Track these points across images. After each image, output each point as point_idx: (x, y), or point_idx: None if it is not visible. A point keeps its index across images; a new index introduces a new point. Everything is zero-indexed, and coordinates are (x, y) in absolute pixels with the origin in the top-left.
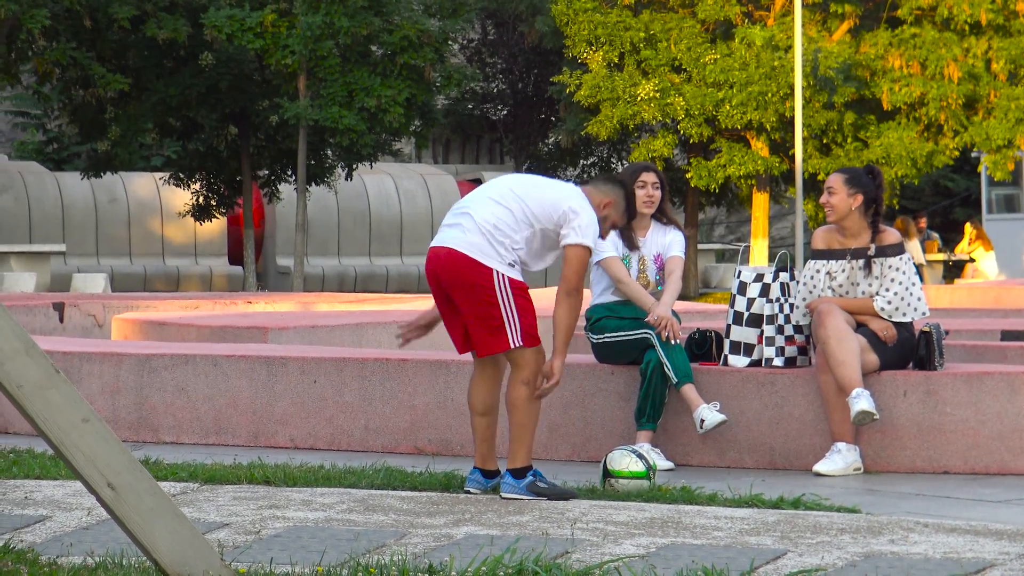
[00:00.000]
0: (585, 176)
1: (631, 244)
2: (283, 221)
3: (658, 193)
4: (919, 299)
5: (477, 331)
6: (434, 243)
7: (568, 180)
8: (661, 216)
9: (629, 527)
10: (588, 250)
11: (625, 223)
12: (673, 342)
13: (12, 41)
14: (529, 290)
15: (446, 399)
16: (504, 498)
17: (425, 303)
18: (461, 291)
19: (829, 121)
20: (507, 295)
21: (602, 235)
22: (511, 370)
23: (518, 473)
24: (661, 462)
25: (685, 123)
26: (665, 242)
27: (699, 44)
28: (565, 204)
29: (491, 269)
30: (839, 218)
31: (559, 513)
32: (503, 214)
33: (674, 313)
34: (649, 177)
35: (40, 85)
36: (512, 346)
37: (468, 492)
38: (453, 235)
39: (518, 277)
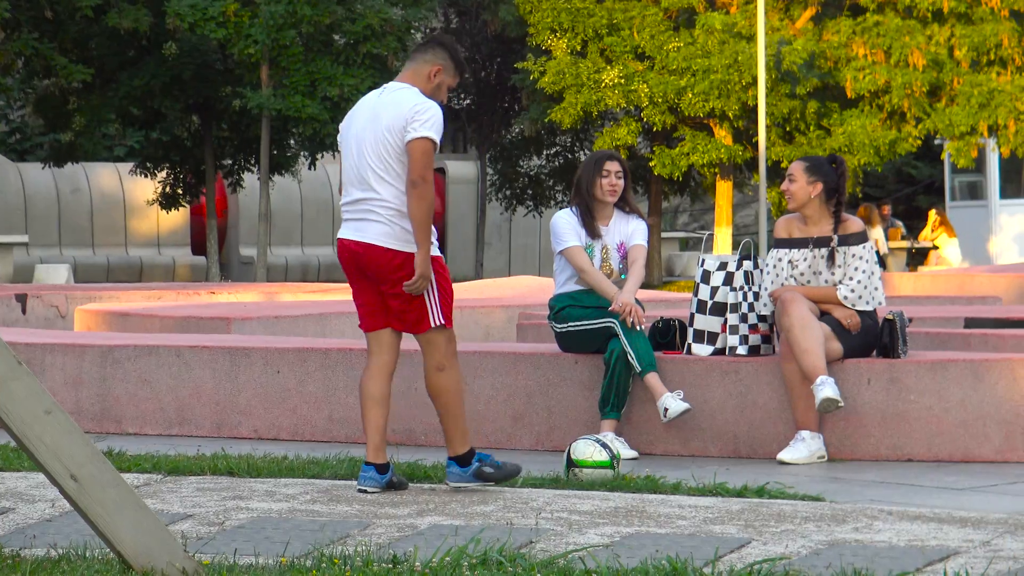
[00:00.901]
0: (550, 167)
1: (593, 233)
2: (246, 211)
3: (621, 182)
4: (876, 288)
5: (396, 307)
6: (347, 235)
7: (532, 171)
8: (624, 205)
9: (593, 516)
10: (431, 141)
11: (457, 81)
12: (637, 328)
13: None
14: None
15: (409, 389)
16: (451, 487)
17: None
18: (380, 277)
19: (792, 109)
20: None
21: (440, 99)
22: (425, 355)
23: (463, 460)
24: (625, 451)
25: (649, 111)
26: (628, 231)
27: (662, 32)
28: (407, 112)
29: (411, 254)
30: (799, 206)
31: (523, 503)
32: (395, 185)
33: (637, 301)
34: (612, 166)
35: (2, 77)
36: (433, 324)
37: (364, 492)
38: (363, 227)
39: (436, 252)
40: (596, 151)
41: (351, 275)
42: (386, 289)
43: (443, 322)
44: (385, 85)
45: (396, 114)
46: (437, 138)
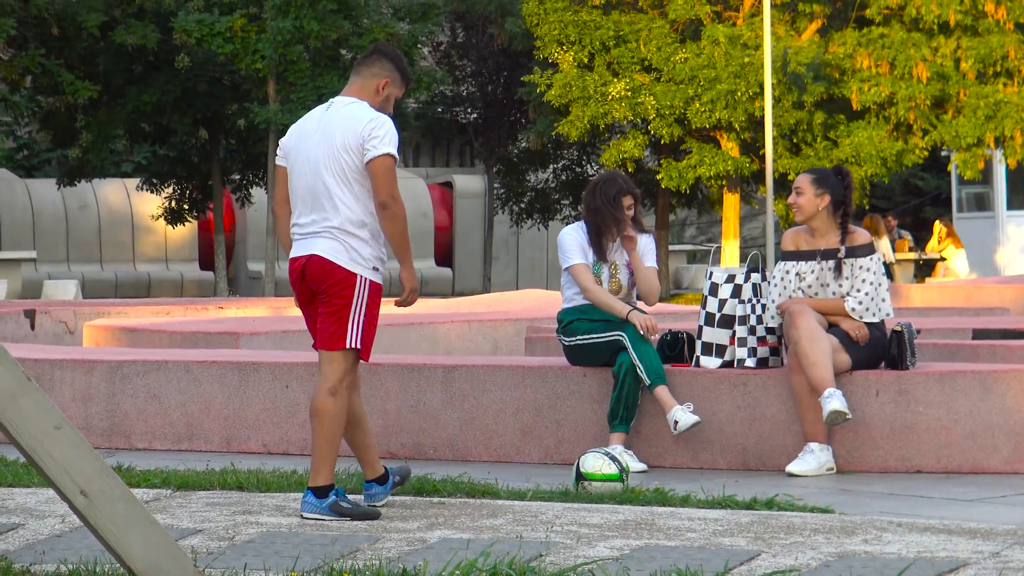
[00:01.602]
0: (557, 181)
1: (602, 252)
2: (254, 226)
3: (632, 212)
4: (884, 299)
5: (321, 320)
6: (297, 253)
7: (539, 184)
8: (633, 223)
9: (603, 529)
10: (392, 157)
11: (403, 91)
12: (651, 337)
13: None
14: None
15: (418, 403)
16: (305, 518)
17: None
18: (321, 287)
19: (799, 121)
20: (362, 298)
21: (388, 111)
22: (322, 376)
23: (320, 492)
24: (634, 464)
25: (656, 123)
26: (639, 248)
27: (668, 44)
28: (361, 129)
29: (355, 274)
30: (806, 218)
31: (533, 516)
32: (350, 206)
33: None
34: (627, 201)
35: (10, 94)
36: (348, 346)
37: (374, 507)
38: (314, 243)
39: (378, 280)
40: (610, 176)
41: (302, 298)
42: (321, 298)
43: (358, 346)
44: (332, 100)
45: (350, 132)
46: (396, 153)
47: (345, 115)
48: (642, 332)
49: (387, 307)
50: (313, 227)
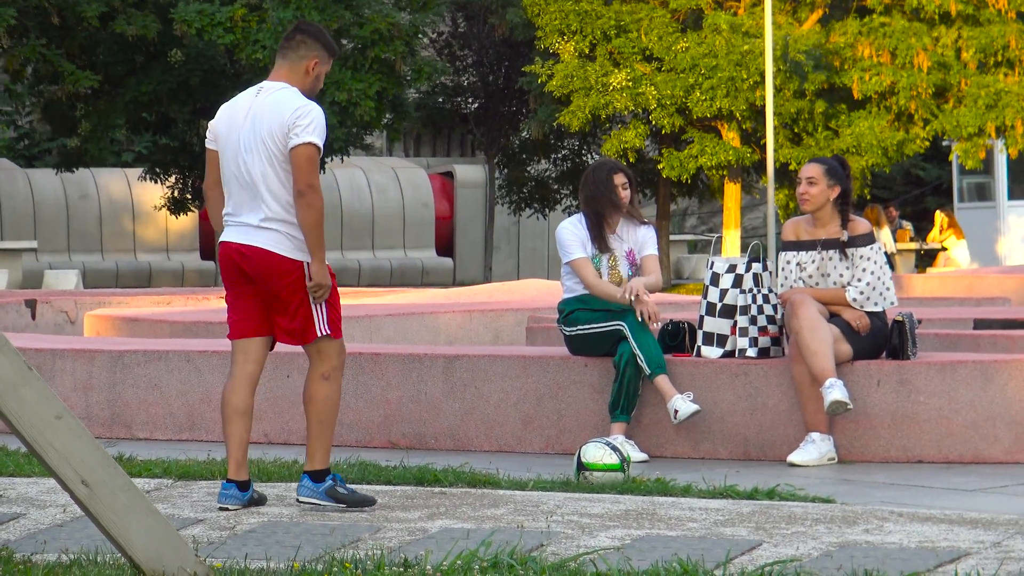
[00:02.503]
0: (557, 171)
1: (601, 243)
2: None
3: (627, 192)
4: (888, 288)
5: (281, 319)
6: (232, 239)
7: (540, 175)
8: (630, 212)
9: (604, 519)
10: (315, 147)
11: (331, 64)
12: (652, 324)
13: None
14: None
15: (419, 393)
16: (300, 502)
17: (396, 297)
18: (266, 283)
19: (800, 110)
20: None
21: (318, 88)
22: (312, 363)
23: (317, 476)
24: (635, 454)
25: (657, 113)
26: (637, 238)
27: (670, 33)
28: (288, 117)
29: (300, 263)
30: (816, 209)
31: (534, 506)
32: (279, 193)
33: None
34: (619, 179)
35: (11, 83)
36: (319, 334)
37: (225, 508)
38: (250, 232)
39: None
40: (600, 161)
41: (231, 280)
42: (270, 295)
43: (328, 331)
44: (261, 84)
45: (277, 119)
46: (321, 143)
47: (274, 101)
48: (643, 319)
49: (389, 296)
50: (246, 218)
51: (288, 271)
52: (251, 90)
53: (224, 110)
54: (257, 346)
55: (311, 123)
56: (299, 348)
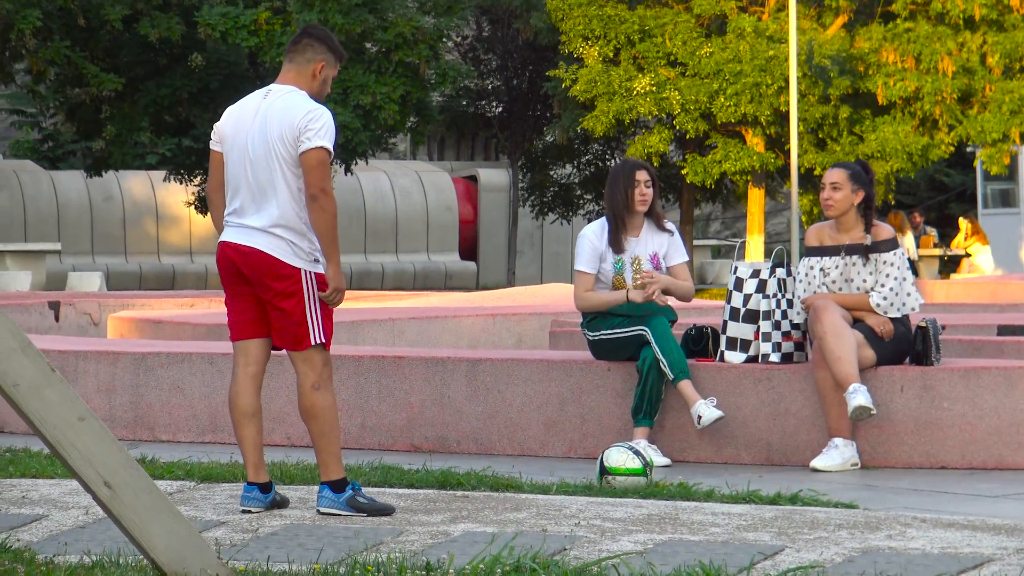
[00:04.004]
0: (581, 176)
1: (619, 248)
2: None
3: (651, 192)
4: (909, 293)
5: (277, 324)
6: (231, 239)
7: (564, 179)
8: (653, 215)
9: (626, 524)
10: (327, 151)
11: (339, 68)
12: (659, 302)
13: (5, 40)
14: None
15: (443, 396)
16: (321, 513)
17: (419, 301)
18: (262, 285)
19: (824, 115)
20: (312, 291)
21: (326, 92)
22: (299, 373)
23: (336, 486)
24: (658, 458)
25: (681, 118)
26: (663, 243)
27: (694, 38)
28: (298, 120)
29: (298, 269)
30: (840, 214)
31: (556, 510)
32: (285, 199)
33: (670, 309)
34: (642, 176)
35: (35, 84)
36: (313, 342)
37: (248, 511)
38: (250, 234)
39: (322, 271)
40: (624, 160)
41: (229, 281)
42: (267, 298)
43: (323, 340)
44: (269, 87)
45: (287, 123)
46: (331, 146)
47: (283, 105)
48: (644, 298)
49: (412, 299)
50: (249, 220)
51: (285, 276)
52: (258, 93)
53: (231, 112)
54: (257, 347)
55: (322, 127)
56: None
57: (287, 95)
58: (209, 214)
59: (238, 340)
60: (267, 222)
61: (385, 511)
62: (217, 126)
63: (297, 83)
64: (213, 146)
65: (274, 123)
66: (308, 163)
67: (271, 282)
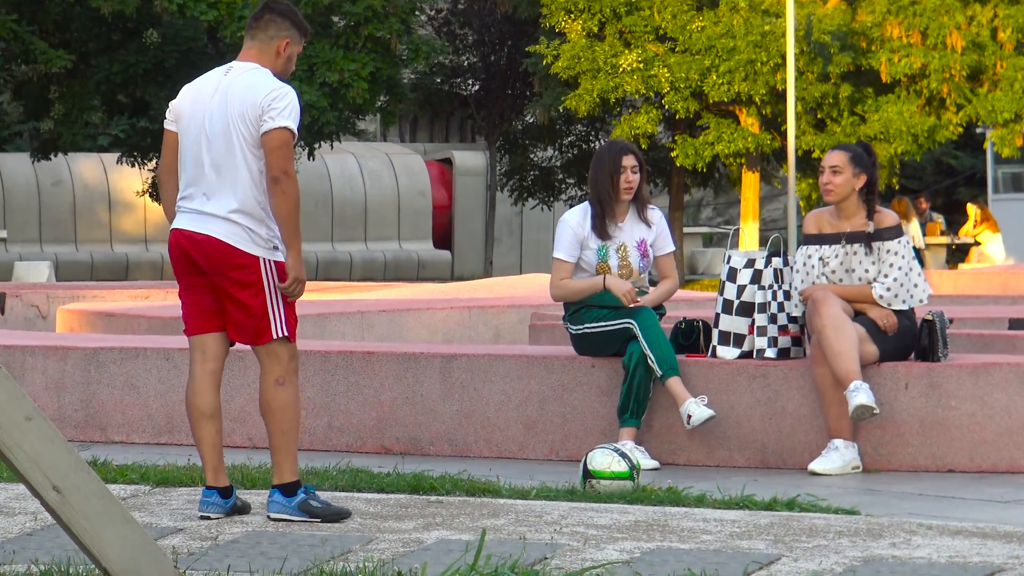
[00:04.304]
0: (563, 158)
1: (603, 234)
2: None
3: (637, 177)
4: (917, 285)
5: (235, 317)
6: (183, 226)
7: (544, 162)
8: (637, 200)
9: (612, 531)
10: (291, 132)
11: (303, 44)
12: (630, 304)
13: None
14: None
15: (415, 395)
16: (272, 519)
17: (390, 292)
18: (218, 275)
19: (824, 94)
20: (272, 281)
21: (291, 69)
22: (263, 367)
23: (288, 490)
24: (645, 461)
25: (670, 97)
26: (650, 230)
27: (684, 11)
28: (262, 99)
29: (256, 257)
30: (840, 199)
31: (536, 516)
32: (244, 182)
33: (661, 306)
34: (628, 161)
35: None
36: (275, 336)
37: (207, 517)
38: (204, 220)
39: (282, 259)
40: (609, 143)
41: (182, 270)
42: (223, 287)
43: (286, 333)
44: (230, 64)
45: (249, 101)
46: (295, 127)
47: (245, 83)
48: (621, 297)
49: (383, 291)
50: (203, 205)
51: (242, 265)
52: (219, 69)
53: (188, 90)
54: (215, 342)
55: (286, 106)
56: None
57: (250, 72)
58: (162, 195)
59: (194, 335)
60: (223, 207)
61: (340, 515)
62: (173, 104)
63: (260, 61)
64: (168, 125)
65: (235, 101)
66: (270, 144)
67: (228, 271)
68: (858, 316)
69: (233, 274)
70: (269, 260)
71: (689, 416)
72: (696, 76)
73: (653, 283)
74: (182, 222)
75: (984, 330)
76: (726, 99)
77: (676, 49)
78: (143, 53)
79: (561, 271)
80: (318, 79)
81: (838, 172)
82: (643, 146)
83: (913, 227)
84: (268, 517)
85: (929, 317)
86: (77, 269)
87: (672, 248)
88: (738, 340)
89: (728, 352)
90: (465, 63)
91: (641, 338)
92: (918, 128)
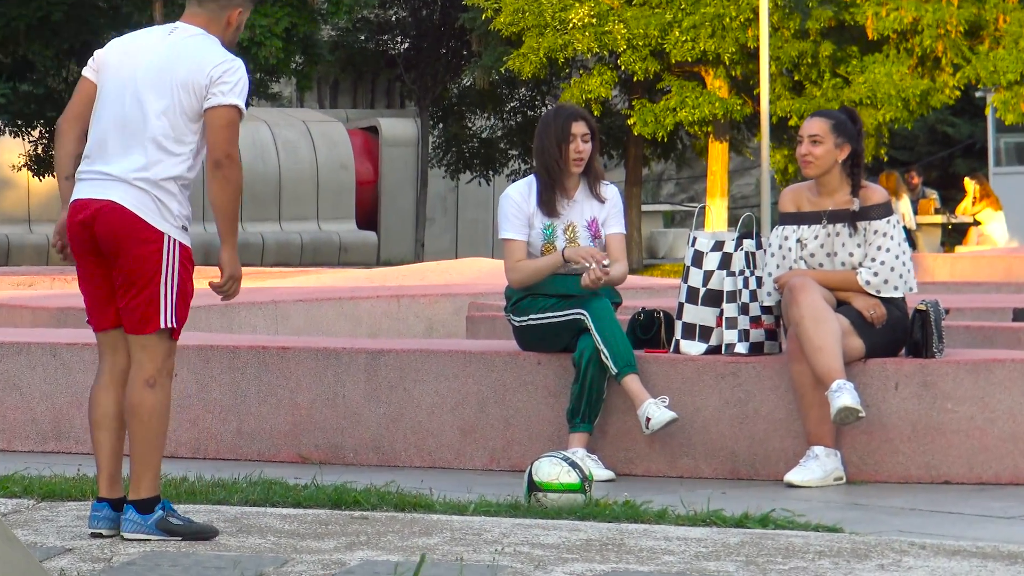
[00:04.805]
0: (505, 127)
1: (551, 211)
2: None
3: (589, 147)
4: (908, 270)
5: (123, 298)
6: (85, 195)
7: (484, 131)
8: (590, 173)
9: (561, 551)
10: (239, 111)
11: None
12: (595, 280)
13: None
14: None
15: (336, 396)
16: (126, 539)
17: (308, 279)
18: (116, 251)
19: (802, 53)
20: (172, 264)
21: (236, 38)
22: (134, 362)
23: (144, 507)
24: (599, 471)
25: (626, 56)
26: (601, 207)
27: None
28: (210, 69)
29: (162, 233)
30: (820, 173)
31: (475, 534)
32: (170, 153)
33: (613, 290)
34: (579, 128)
35: None
36: (163, 326)
37: (99, 535)
38: (110, 187)
39: (187, 243)
40: (557, 108)
41: (81, 250)
42: (119, 264)
43: (173, 325)
44: (175, 24)
45: (196, 69)
46: (243, 107)
47: (194, 47)
48: (584, 261)
49: (300, 278)
50: (109, 167)
51: (145, 240)
52: (161, 28)
53: (119, 42)
54: (124, 337)
55: (238, 82)
56: (190, 340)
57: (197, 37)
58: (54, 165)
59: (102, 330)
60: (130, 169)
61: (205, 534)
62: (98, 53)
63: (208, 27)
64: (87, 73)
65: (181, 64)
66: (216, 122)
67: (128, 247)
68: (841, 306)
69: (132, 250)
70: (175, 240)
71: (648, 419)
72: (656, 32)
73: None
74: (83, 190)
75: (985, 322)
76: (690, 59)
77: (633, 2)
78: (25, 6)
79: (515, 252)
80: None
81: (818, 142)
82: (596, 112)
83: (903, 205)
84: (121, 537)
85: (922, 307)
86: None
87: (623, 229)
88: (704, 333)
89: (693, 347)
90: (393, 18)
91: (594, 331)
92: (909, 92)
